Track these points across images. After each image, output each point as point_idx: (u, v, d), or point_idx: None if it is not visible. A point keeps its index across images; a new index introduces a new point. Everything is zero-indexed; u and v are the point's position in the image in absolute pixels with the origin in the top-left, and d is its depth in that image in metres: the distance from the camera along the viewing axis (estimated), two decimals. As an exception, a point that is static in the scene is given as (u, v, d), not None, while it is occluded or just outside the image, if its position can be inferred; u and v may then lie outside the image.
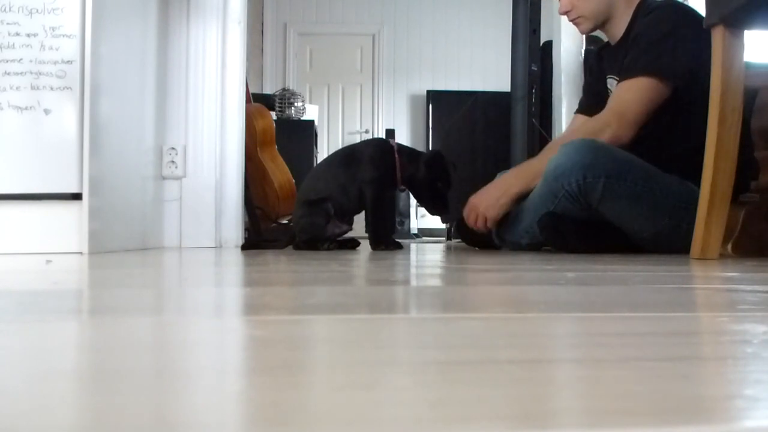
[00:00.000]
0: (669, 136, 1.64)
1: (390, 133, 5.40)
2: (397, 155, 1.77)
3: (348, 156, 1.82)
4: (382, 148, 1.79)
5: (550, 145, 1.78)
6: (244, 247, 1.87)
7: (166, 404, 0.23)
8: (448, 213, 1.86)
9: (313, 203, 1.79)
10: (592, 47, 2.09)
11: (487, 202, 1.74)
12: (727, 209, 1.27)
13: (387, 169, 1.76)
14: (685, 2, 3.77)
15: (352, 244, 1.89)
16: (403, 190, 1.87)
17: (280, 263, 1.15)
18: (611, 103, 1.63)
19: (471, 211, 1.77)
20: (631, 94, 1.60)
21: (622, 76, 1.64)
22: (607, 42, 1.85)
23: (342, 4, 6.17)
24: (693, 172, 1.41)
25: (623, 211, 1.57)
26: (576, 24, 1.82)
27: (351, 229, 1.88)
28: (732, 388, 0.26)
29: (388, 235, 1.83)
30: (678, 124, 1.63)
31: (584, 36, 2.53)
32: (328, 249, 1.75)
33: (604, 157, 1.55)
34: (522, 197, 1.71)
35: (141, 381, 0.26)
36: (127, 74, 1.87)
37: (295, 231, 1.84)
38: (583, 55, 2.56)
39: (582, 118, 1.90)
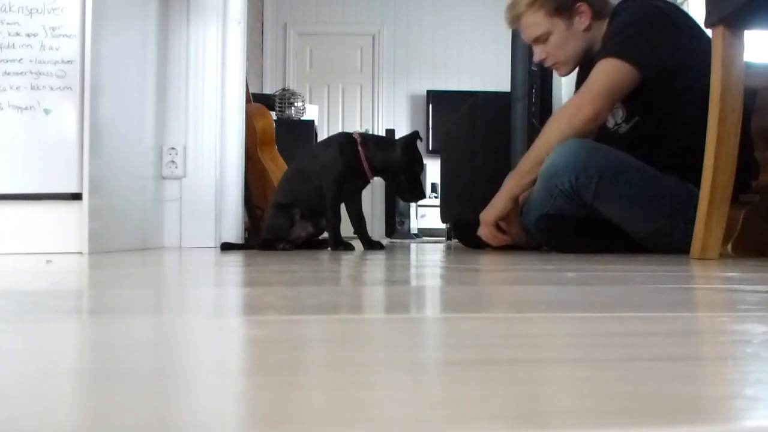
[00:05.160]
0: (665, 136, 1.63)
1: (390, 132, 5.41)
2: (360, 147, 1.75)
3: (312, 155, 1.82)
4: (342, 143, 1.77)
5: (545, 127, 1.76)
6: (224, 248, 1.86)
7: (166, 404, 0.23)
8: (424, 195, 1.85)
9: (281, 206, 1.80)
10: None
11: (486, 211, 1.73)
12: (727, 209, 1.27)
13: (350, 164, 1.74)
14: (684, 1, 3.76)
15: (319, 245, 1.89)
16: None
17: (280, 263, 1.15)
18: (584, 86, 1.64)
19: (482, 225, 1.75)
20: (598, 75, 1.60)
21: (593, 64, 1.65)
22: None
23: (342, 4, 6.17)
24: (693, 173, 1.41)
25: (619, 210, 1.57)
26: (555, 69, 1.81)
27: (318, 231, 1.88)
28: (732, 388, 0.26)
29: (365, 234, 1.81)
30: (672, 124, 1.63)
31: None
32: (284, 249, 1.75)
33: (598, 157, 1.55)
34: (518, 196, 1.69)
35: (141, 381, 0.26)
36: (127, 74, 1.87)
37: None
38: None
39: None
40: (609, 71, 1.58)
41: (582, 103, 1.60)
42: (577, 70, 1.84)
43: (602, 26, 1.72)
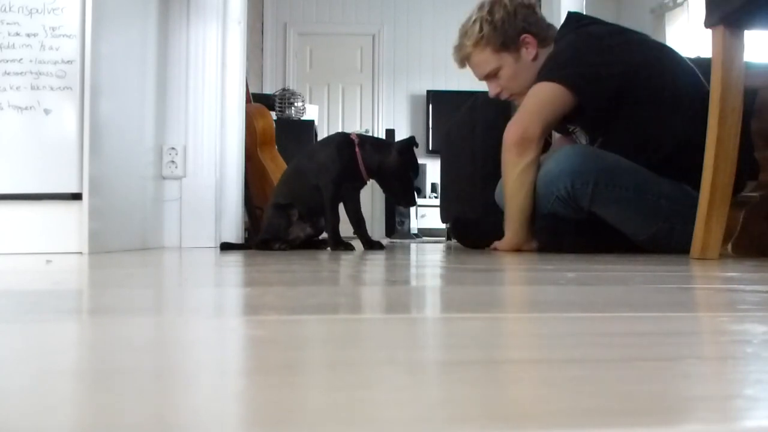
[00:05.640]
0: (667, 138, 1.63)
1: (390, 133, 5.40)
2: (357, 148, 1.75)
3: (310, 155, 1.82)
4: (340, 143, 1.77)
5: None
6: (223, 248, 1.87)
7: (166, 404, 0.23)
8: (416, 202, 1.86)
9: (279, 206, 1.81)
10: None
11: (500, 245, 1.73)
12: (727, 209, 1.27)
13: (346, 165, 1.75)
14: (683, 3, 3.77)
15: (319, 245, 1.89)
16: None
17: (280, 263, 1.15)
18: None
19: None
20: (527, 98, 1.64)
21: None
22: None
23: (342, 4, 6.17)
24: (689, 174, 1.41)
25: (616, 214, 1.58)
26: (512, 100, 1.84)
27: (316, 232, 1.88)
28: (732, 388, 0.26)
29: (365, 234, 1.82)
30: (637, 137, 1.62)
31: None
32: (280, 249, 1.76)
33: (593, 162, 1.56)
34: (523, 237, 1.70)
35: (141, 381, 0.26)
36: (127, 74, 1.87)
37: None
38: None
39: (559, 137, 1.95)
40: (535, 92, 1.63)
41: (508, 127, 1.64)
42: None
43: (548, 51, 1.74)
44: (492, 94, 1.82)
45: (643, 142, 1.62)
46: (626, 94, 1.59)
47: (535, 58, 1.74)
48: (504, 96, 1.80)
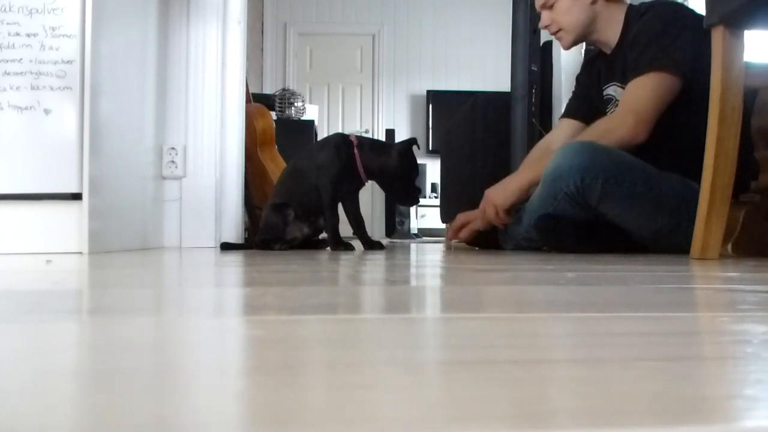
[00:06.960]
0: (673, 133, 1.63)
1: (390, 133, 5.40)
2: (356, 150, 1.75)
3: (308, 155, 1.83)
4: (338, 144, 1.77)
5: (538, 146, 1.77)
6: (223, 248, 1.89)
7: (166, 404, 0.23)
8: (419, 201, 1.87)
9: (276, 206, 1.82)
10: (591, 47, 2.10)
11: (498, 192, 1.75)
12: (727, 209, 1.27)
13: (345, 166, 1.75)
14: (685, 1, 3.78)
15: (319, 245, 1.89)
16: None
17: (280, 263, 1.15)
18: (624, 101, 1.63)
19: (485, 203, 1.77)
20: (643, 91, 1.59)
21: (631, 75, 1.63)
22: (599, 51, 1.85)
23: (342, 4, 6.17)
24: (695, 170, 1.41)
25: (623, 211, 1.57)
26: (558, 38, 1.84)
27: (314, 232, 1.88)
28: (732, 388, 0.26)
29: (364, 234, 1.82)
30: (681, 121, 1.63)
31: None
32: (280, 249, 1.77)
33: (602, 158, 1.55)
34: (533, 186, 1.70)
35: (141, 381, 0.26)
36: (127, 74, 1.87)
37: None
38: (582, 55, 2.56)
39: (569, 122, 1.92)
40: (657, 89, 1.58)
41: (636, 126, 1.58)
42: (582, 56, 1.84)
43: (609, 9, 1.73)
44: (542, 25, 1.85)
45: (689, 130, 1.61)
46: (698, 76, 1.58)
47: (593, 2, 1.74)
48: (552, 30, 1.81)
